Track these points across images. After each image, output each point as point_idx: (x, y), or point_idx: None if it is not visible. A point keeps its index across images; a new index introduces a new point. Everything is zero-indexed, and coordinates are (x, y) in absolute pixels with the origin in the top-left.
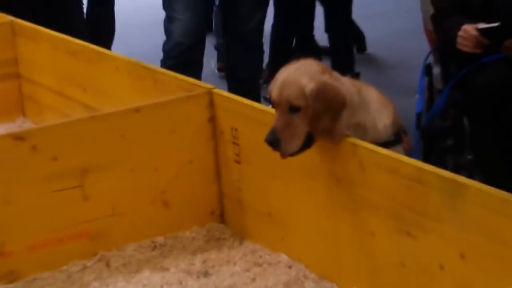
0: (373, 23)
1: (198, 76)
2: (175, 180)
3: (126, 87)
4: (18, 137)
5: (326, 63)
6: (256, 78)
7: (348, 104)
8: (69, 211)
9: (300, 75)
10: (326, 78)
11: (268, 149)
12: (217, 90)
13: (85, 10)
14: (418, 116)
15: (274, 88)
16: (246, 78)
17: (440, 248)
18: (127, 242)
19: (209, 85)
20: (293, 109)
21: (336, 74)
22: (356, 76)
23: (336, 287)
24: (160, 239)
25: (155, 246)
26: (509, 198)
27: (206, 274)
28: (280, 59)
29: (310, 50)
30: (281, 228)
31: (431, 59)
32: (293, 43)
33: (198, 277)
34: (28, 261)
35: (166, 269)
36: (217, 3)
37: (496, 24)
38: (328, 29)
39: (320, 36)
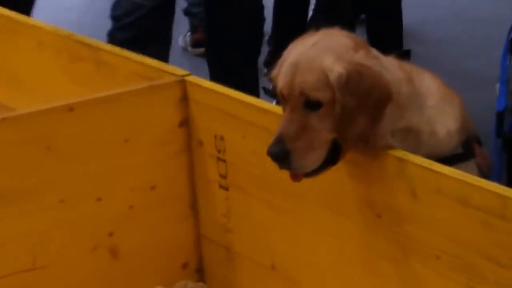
0: None
1: (164, 56)
2: (128, 215)
3: (54, 74)
4: None
5: (361, 35)
6: (252, 57)
7: (395, 98)
8: None
9: (321, 54)
10: (360, 57)
11: (273, 166)
12: (192, 78)
13: None
14: (500, 116)
15: (282, 73)
16: (236, 58)
17: None
18: None
19: (180, 70)
20: (311, 105)
21: (375, 52)
22: (405, 55)
23: None
24: None
25: None
26: None
27: None
28: (289, 29)
29: (337, 15)
30: (291, 287)
31: None
32: (308, 5)
33: None
34: None
35: None
36: None
37: None
38: None
39: None
